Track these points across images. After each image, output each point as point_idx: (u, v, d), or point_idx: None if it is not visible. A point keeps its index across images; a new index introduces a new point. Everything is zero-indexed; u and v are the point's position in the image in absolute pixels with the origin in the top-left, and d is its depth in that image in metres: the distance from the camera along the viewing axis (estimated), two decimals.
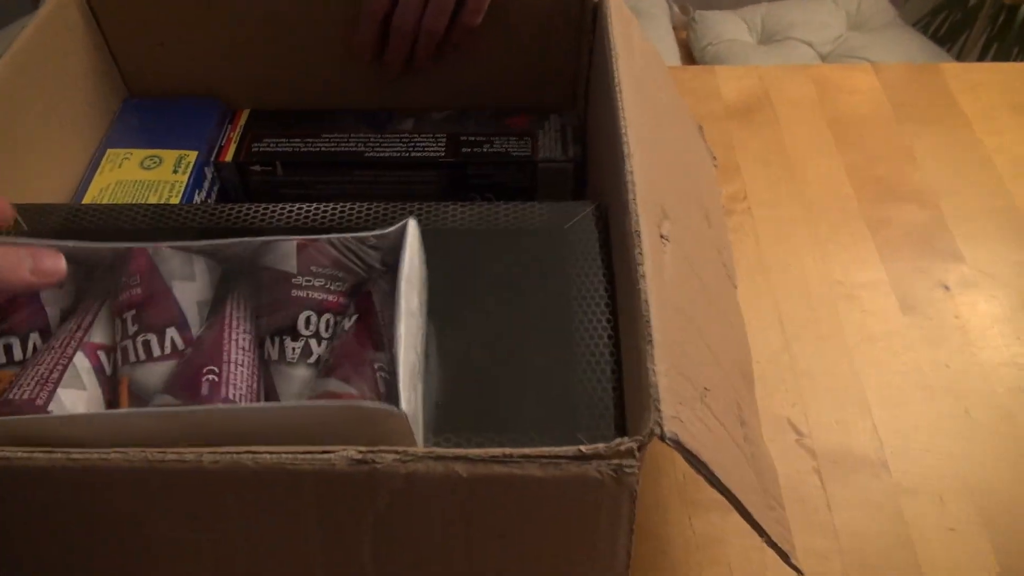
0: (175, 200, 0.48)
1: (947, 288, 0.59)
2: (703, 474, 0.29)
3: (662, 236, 0.35)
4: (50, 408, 0.29)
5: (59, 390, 0.29)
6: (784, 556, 0.33)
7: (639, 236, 0.33)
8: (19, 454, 0.26)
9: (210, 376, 0.30)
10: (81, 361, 0.30)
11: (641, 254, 0.32)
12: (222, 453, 0.27)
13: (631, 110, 0.39)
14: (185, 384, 0.30)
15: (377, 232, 0.35)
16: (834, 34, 1.21)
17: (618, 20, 0.45)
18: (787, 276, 0.60)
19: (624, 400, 0.34)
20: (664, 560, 0.45)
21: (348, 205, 0.42)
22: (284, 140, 0.53)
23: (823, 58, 1.18)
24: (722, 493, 0.30)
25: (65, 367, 0.29)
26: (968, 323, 0.56)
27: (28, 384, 0.28)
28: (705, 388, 0.32)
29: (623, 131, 0.37)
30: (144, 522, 0.28)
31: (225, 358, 0.30)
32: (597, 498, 0.27)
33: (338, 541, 0.28)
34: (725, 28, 1.22)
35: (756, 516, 0.31)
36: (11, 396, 0.28)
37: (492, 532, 0.28)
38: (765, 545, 0.46)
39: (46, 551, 0.29)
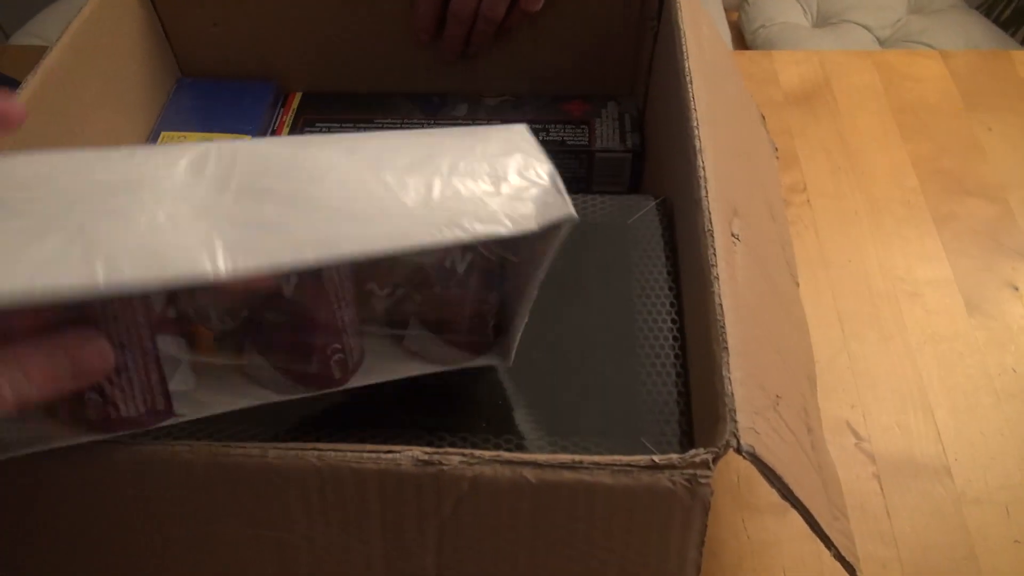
0: None
1: (1016, 288, 0.56)
2: (777, 487, 0.28)
3: (733, 235, 0.34)
4: (175, 408, 0.27)
5: (169, 386, 0.27)
6: (851, 570, 0.32)
7: (712, 236, 0.32)
8: (81, 443, 0.26)
9: (337, 356, 0.28)
10: (165, 343, 0.28)
11: (715, 255, 0.31)
12: (286, 449, 0.26)
13: (702, 102, 0.37)
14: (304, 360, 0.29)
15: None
16: (893, 17, 1.17)
17: (687, 6, 0.43)
18: (847, 272, 0.58)
19: (691, 405, 0.32)
20: (716, 564, 0.44)
21: None
22: (337, 124, 0.53)
23: (881, 43, 1.14)
24: (794, 506, 0.29)
25: (157, 359, 0.27)
26: None
27: (131, 394, 0.26)
28: (777, 396, 0.31)
29: (694, 125, 0.36)
30: (207, 518, 0.28)
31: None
32: (669, 509, 0.26)
33: (400, 545, 0.28)
34: (779, 10, 1.18)
35: (825, 529, 0.30)
36: (123, 414, 0.26)
37: (559, 540, 0.27)
38: (821, 551, 0.45)
39: (107, 543, 0.29)
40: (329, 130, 0.52)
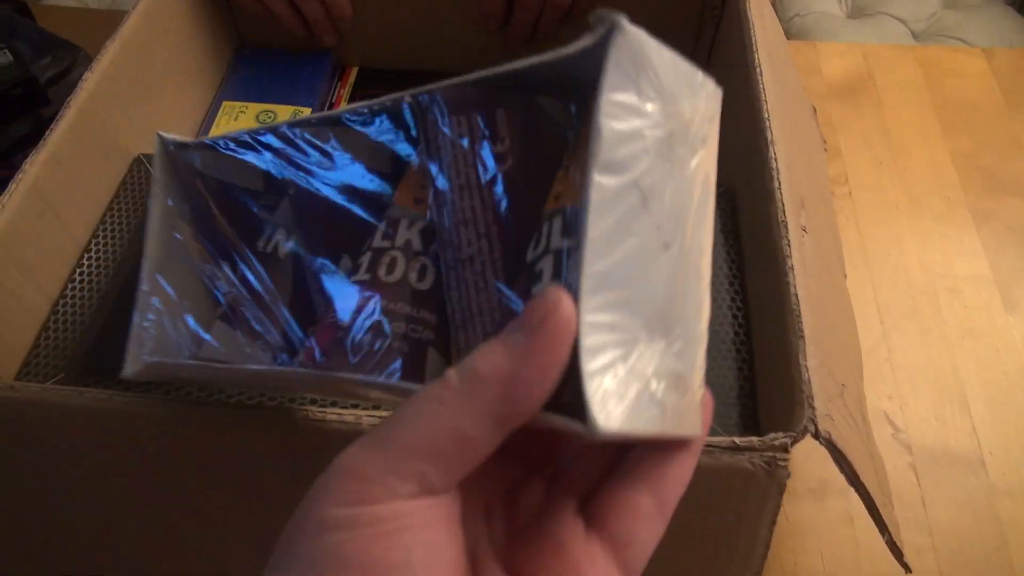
0: None
1: None
2: (846, 473, 0.29)
3: (803, 227, 0.34)
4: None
5: None
6: (899, 555, 0.33)
7: (786, 227, 0.33)
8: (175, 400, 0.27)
9: None
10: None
11: (789, 245, 0.32)
12: (381, 417, 0.27)
13: (771, 93, 0.38)
14: None
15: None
16: (928, 11, 1.16)
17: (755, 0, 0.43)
18: (887, 265, 0.58)
19: (756, 390, 0.33)
20: None
21: None
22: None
23: (916, 36, 1.14)
24: (858, 491, 0.30)
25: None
26: None
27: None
28: (843, 384, 0.32)
29: (766, 116, 0.37)
30: (301, 478, 0.29)
31: None
32: (747, 488, 0.27)
33: None
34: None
35: (884, 516, 0.31)
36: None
37: None
38: (857, 535, 0.46)
39: (199, 502, 0.30)
40: None
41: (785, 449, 0.27)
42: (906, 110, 0.69)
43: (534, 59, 0.22)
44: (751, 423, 0.33)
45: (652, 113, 0.20)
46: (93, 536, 0.33)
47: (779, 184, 0.34)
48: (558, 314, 0.17)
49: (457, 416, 0.17)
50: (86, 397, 0.28)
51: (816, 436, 0.27)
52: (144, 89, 0.44)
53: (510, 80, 0.23)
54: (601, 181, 0.19)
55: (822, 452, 0.48)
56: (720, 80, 0.49)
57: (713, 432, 0.30)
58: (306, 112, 0.51)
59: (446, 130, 0.25)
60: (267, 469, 0.29)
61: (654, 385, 0.20)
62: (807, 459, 0.49)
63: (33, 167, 0.35)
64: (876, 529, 0.46)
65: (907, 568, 0.34)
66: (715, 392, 0.33)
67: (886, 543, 0.33)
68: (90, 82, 0.39)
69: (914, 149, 0.66)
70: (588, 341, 0.18)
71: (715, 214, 0.40)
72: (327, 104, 0.53)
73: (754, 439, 0.27)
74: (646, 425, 0.19)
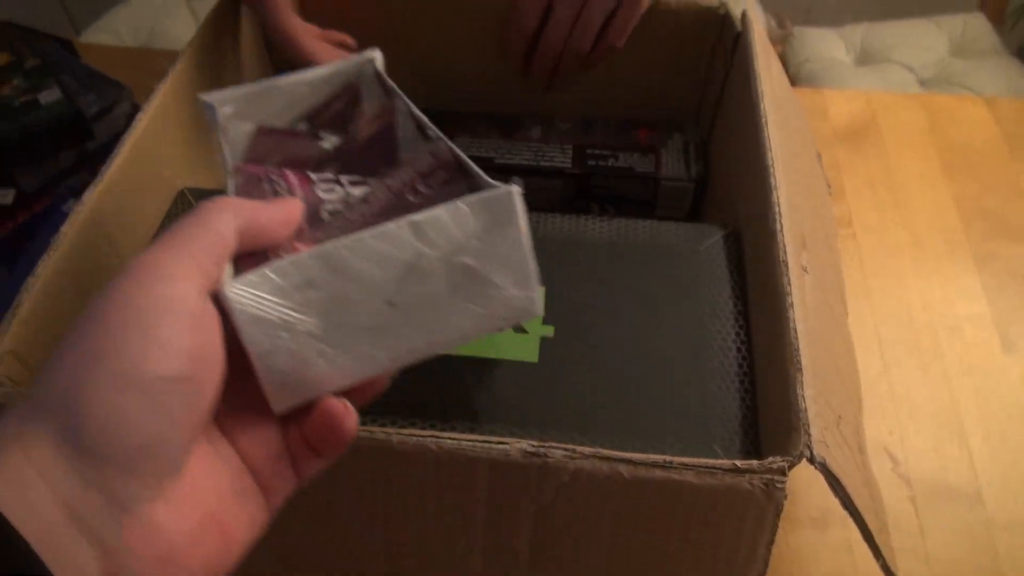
0: None
1: None
2: (840, 497, 0.31)
3: (803, 267, 0.37)
4: None
5: None
6: None
7: (787, 266, 0.35)
8: None
9: None
10: None
11: (789, 283, 0.34)
12: (408, 435, 0.30)
13: (776, 141, 0.41)
14: None
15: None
16: (935, 58, 1.19)
17: (761, 49, 0.46)
18: (890, 303, 0.61)
19: (758, 419, 0.36)
20: None
21: None
22: None
23: (923, 83, 1.17)
24: (853, 516, 0.32)
25: None
26: None
27: None
28: (839, 416, 0.34)
29: (770, 162, 0.39)
30: (333, 489, 0.31)
31: None
32: (745, 509, 0.29)
33: (500, 526, 0.31)
34: (823, 46, 1.21)
35: (877, 541, 0.33)
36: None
37: (643, 531, 0.30)
38: (856, 563, 0.47)
39: None
40: None
41: (783, 472, 0.29)
42: (910, 155, 0.72)
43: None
44: (753, 449, 0.35)
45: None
46: None
47: (781, 226, 0.37)
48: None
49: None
50: None
51: (811, 461, 0.29)
52: (188, 127, 0.47)
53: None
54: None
55: (823, 481, 0.50)
56: (728, 128, 0.51)
57: (716, 456, 0.33)
58: None
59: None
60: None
61: None
62: (808, 488, 0.51)
63: (91, 199, 0.38)
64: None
65: None
66: (720, 420, 0.36)
67: (880, 568, 0.34)
68: (143, 120, 0.42)
69: (917, 192, 0.69)
70: None
71: (723, 253, 0.42)
72: None
73: (754, 462, 0.29)
74: None
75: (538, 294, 0.30)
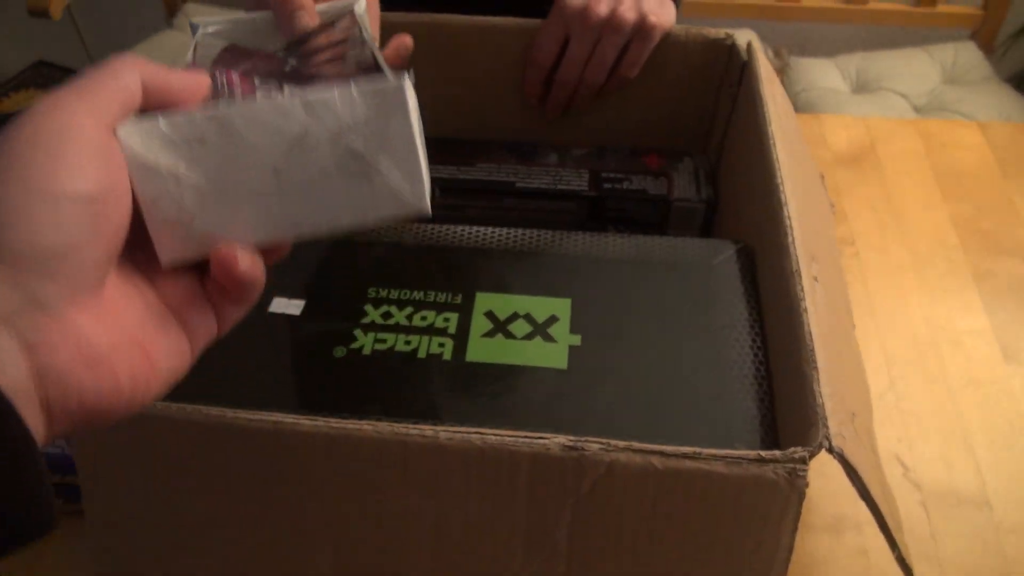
0: None
1: None
2: (858, 487, 0.33)
3: (814, 277, 0.39)
4: None
5: None
6: (908, 571, 0.37)
7: (799, 276, 0.38)
8: (269, 419, 0.32)
9: None
10: None
11: (802, 291, 0.37)
12: (454, 432, 0.32)
13: (784, 162, 0.44)
14: None
15: None
16: (929, 87, 1.24)
17: (766, 77, 0.49)
18: (894, 318, 0.63)
19: (776, 419, 0.38)
20: None
21: (519, 231, 0.47)
22: (442, 166, 0.59)
23: (917, 110, 1.21)
24: (870, 507, 0.34)
25: None
26: None
27: None
28: (854, 413, 0.36)
29: (779, 180, 0.42)
30: (382, 487, 0.33)
31: None
32: (770, 496, 0.31)
33: (541, 518, 0.33)
34: (820, 75, 1.26)
35: (893, 532, 0.35)
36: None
37: (675, 520, 0.32)
38: (871, 567, 0.49)
39: (294, 512, 0.35)
40: (435, 173, 0.59)
41: (804, 461, 0.31)
42: (907, 178, 0.75)
43: None
44: (773, 447, 0.37)
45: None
46: (198, 544, 0.37)
47: (792, 240, 0.39)
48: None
49: None
50: (201, 413, 0.33)
51: (830, 451, 0.31)
52: None
53: None
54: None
55: (838, 489, 0.52)
56: (736, 152, 0.54)
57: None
58: None
59: None
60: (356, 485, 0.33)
61: None
62: (822, 496, 0.53)
63: None
64: (890, 560, 0.49)
65: None
66: (741, 421, 0.38)
67: (896, 559, 0.36)
68: None
69: (916, 213, 0.72)
70: None
71: (736, 267, 0.45)
72: None
73: (777, 452, 0.31)
74: None
75: (427, 192, 0.32)
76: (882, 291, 0.65)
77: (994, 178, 0.75)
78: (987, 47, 1.32)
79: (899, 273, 0.67)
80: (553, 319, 0.42)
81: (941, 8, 1.29)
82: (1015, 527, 0.51)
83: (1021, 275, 0.66)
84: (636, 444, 0.31)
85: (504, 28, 0.57)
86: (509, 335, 0.41)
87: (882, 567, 0.49)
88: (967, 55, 1.28)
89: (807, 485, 0.31)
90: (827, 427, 0.32)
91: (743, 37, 0.55)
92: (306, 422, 0.32)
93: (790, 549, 0.33)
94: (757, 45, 0.53)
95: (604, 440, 0.32)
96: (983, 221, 0.71)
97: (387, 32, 0.57)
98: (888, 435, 0.56)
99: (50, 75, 0.74)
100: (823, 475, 0.37)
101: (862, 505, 0.52)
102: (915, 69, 1.25)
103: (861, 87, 1.26)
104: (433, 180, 0.59)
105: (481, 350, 0.41)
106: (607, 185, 0.58)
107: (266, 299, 0.44)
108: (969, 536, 0.50)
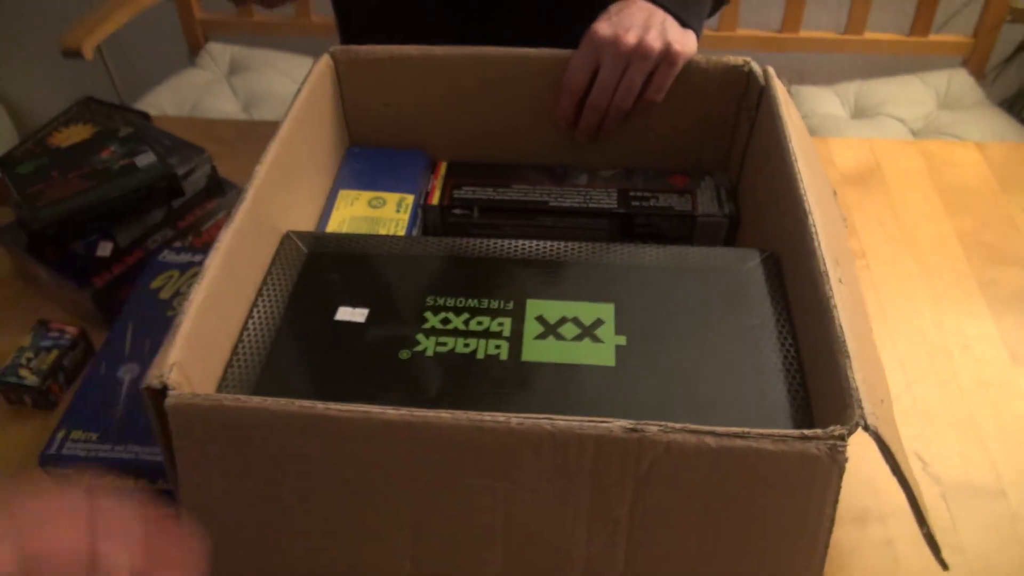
0: (400, 234, 0.58)
1: None
2: (890, 464, 0.36)
3: (839, 279, 0.43)
4: None
5: None
6: (936, 549, 0.40)
7: (827, 276, 0.41)
8: (359, 409, 0.35)
9: None
10: None
11: (831, 289, 0.41)
12: (525, 417, 0.35)
13: (805, 173, 0.48)
14: None
15: None
16: (925, 111, 1.29)
17: (784, 100, 0.54)
18: (906, 326, 0.67)
19: (810, 406, 0.41)
20: None
21: (562, 243, 0.51)
22: (480, 188, 0.63)
23: (915, 133, 1.26)
24: (901, 482, 0.37)
25: None
26: None
27: None
28: (882, 399, 0.40)
29: (803, 191, 0.46)
30: (459, 471, 0.37)
31: None
32: (813, 471, 0.35)
33: (604, 498, 0.36)
34: (820, 102, 1.31)
35: (922, 509, 0.38)
36: None
37: (727, 496, 0.36)
38: (898, 557, 0.52)
39: (377, 498, 0.38)
40: (474, 194, 0.63)
41: (843, 438, 0.34)
42: (912, 195, 0.79)
43: None
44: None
45: None
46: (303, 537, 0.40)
47: (819, 244, 0.43)
48: None
49: None
50: (295, 406, 0.36)
51: (866, 429, 0.35)
52: (291, 178, 0.54)
53: None
54: None
55: (862, 483, 0.55)
56: (756, 170, 0.58)
57: None
58: (409, 199, 0.61)
59: None
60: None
61: None
62: (847, 490, 0.55)
63: (226, 236, 0.44)
64: (914, 549, 0.52)
65: (944, 565, 0.40)
66: (776, 409, 0.41)
67: (924, 536, 0.39)
68: (260, 173, 0.49)
69: (922, 228, 0.76)
70: None
71: (765, 272, 0.48)
72: (424, 191, 0.63)
73: (818, 430, 0.35)
74: None
75: None
76: (893, 300, 0.69)
77: (994, 194, 0.79)
78: (978, 73, 1.37)
79: (908, 283, 0.70)
80: (599, 322, 0.46)
81: (933, 37, 1.35)
82: None
83: (1023, 284, 0.70)
84: (691, 426, 0.35)
85: (535, 58, 0.61)
86: (559, 337, 0.45)
87: (907, 555, 0.52)
88: (960, 81, 1.34)
89: (847, 460, 0.35)
90: (862, 408, 0.35)
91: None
92: (391, 411, 0.36)
93: (832, 521, 0.36)
94: (772, 71, 0.57)
95: (661, 423, 0.35)
96: (985, 234, 0.75)
97: (434, 64, 0.62)
98: (907, 433, 0.59)
99: (99, 110, 0.78)
100: (847, 470, 0.40)
101: (885, 498, 0.55)
102: (911, 95, 1.30)
103: (860, 112, 1.31)
104: (471, 201, 0.63)
105: (535, 351, 0.44)
106: (635, 203, 0.62)
107: (332, 308, 0.47)
108: (987, 525, 0.53)
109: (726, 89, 0.60)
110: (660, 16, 0.58)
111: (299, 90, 0.56)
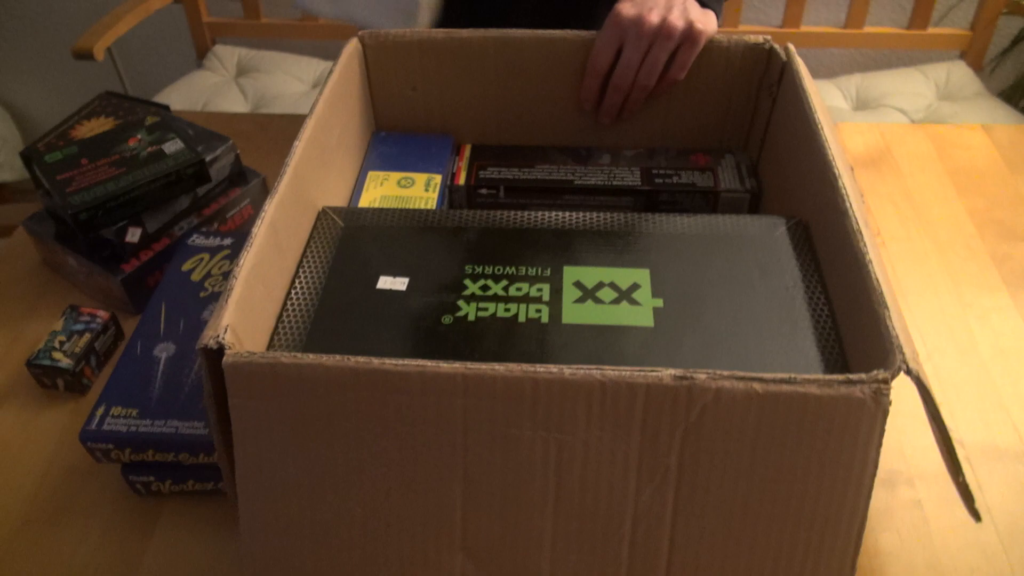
0: None
1: None
2: (928, 408, 0.37)
3: (869, 240, 0.44)
4: None
5: None
6: (969, 499, 0.41)
7: (861, 234, 0.42)
8: (414, 363, 0.36)
9: None
10: None
11: (865, 245, 0.42)
12: (577, 368, 0.36)
13: (831, 141, 0.49)
14: None
15: None
16: (925, 103, 1.31)
17: (806, 74, 0.55)
18: (923, 299, 0.68)
19: (847, 360, 0.42)
20: None
21: (595, 214, 0.52)
22: (505, 169, 0.64)
23: (917, 124, 1.28)
24: (938, 426, 0.38)
25: None
26: None
27: None
28: (914, 351, 0.41)
29: (832, 158, 0.47)
30: (513, 422, 0.37)
31: None
32: (859, 414, 0.36)
33: (653, 446, 0.37)
34: (823, 95, 1.33)
35: (959, 457, 0.39)
36: None
37: (775, 440, 0.37)
38: (928, 518, 0.53)
39: (431, 452, 0.39)
40: (500, 174, 0.64)
41: (886, 381, 0.35)
42: (923, 176, 0.81)
43: None
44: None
45: None
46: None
47: (850, 204, 0.44)
48: None
49: None
50: (350, 362, 0.37)
51: (908, 372, 0.36)
52: (325, 157, 0.55)
53: None
54: None
55: (890, 446, 0.56)
56: (781, 139, 0.59)
57: None
58: (437, 178, 0.62)
59: None
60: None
61: None
62: None
63: (270, 208, 0.45)
64: (941, 508, 0.53)
65: (977, 515, 0.41)
66: (813, 362, 0.42)
67: (958, 485, 0.40)
68: (299, 149, 0.50)
69: (935, 207, 0.77)
70: None
71: (794, 237, 0.49)
72: (450, 173, 0.64)
73: (863, 374, 0.36)
74: None
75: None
76: (910, 276, 0.70)
77: (1002, 174, 0.81)
78: (976, 65, 1.39)
79: (924, 260, 0.72)
80: (635, 286, 0.47)
81: (932, 30, 1.37)
82: None
83: None
84: (739, 372, 0.36)
85: (559, 40, 0.63)
86: (598, 300, 0.46)
87: (936, 515, 0.53)
88: (959, 73, 1.36)
89: (890, 403, 0.36)
90: (903, 354, 0.36)
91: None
92: (445, 365, 0.37)
93: (876, 464, 0.37)
94: (793, 47, 0.58)
95: (710, 370, 0.36)
96: (996, 212, 0.76)
97: (460, 47, 0.63)
98: None
99: (120, 103, 0.79)
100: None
101: (913, 460, 0.56)
102: (911, 87, 1.32)
103: (862, 105, 1.33)
104: (498, 180, 0.64)
105: (575, 314, 0.45)
106: (658, 180, 0.63)
107: (373, 278, 0.48)
108: (1012, 485, 0.54)
109: (747, 67, 0.61)
110: None
111: (330, 71, 0.57)
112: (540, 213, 0.53)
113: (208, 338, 0.38)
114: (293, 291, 0.48)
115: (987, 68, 1.46)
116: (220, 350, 0.38)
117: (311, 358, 0.37)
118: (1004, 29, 1.49)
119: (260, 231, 0.44)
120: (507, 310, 0.46)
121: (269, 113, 0.96)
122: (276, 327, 0.45)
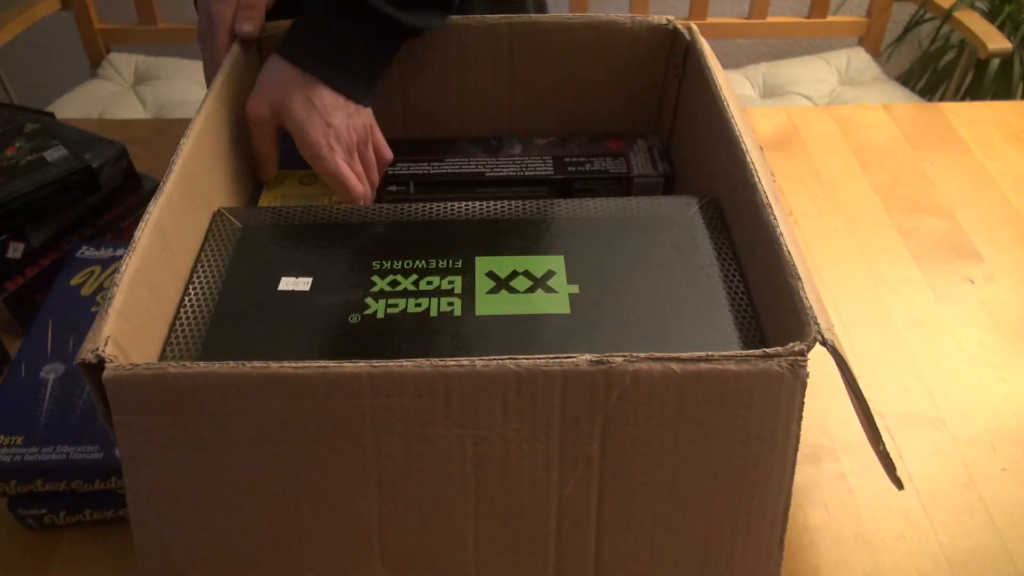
0: None
1: (972, 282, 0.68)
2: (846, 378, 0.37)
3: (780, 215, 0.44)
4: None
5: None
6: (891, 467, 0.41)
7: (771, 208, 0.42)
8: (314, 365, 0.34)
9: None
10: None
11: (776, 219, 0.41)
12: (490, 360, 0.35)
13: (739, 119, 0.48)
14: None
15: None
16: (828, 88, 1.35)
17: (709, 54, 0.55)
18: (837, 275, 0.69)
19: (765, 334, 0.42)
20: None
21: (506, 203, 0.50)
22: (414, 163, 0.62)
23: None
24: (857, 399, 0.38)
25: None
26: (994, 309, 0.66)
27: None
28: (829, 323, 0.41)
29: (739, 134, 0.47)
30: (426, 421, 0.35)
31: None
32: (778, 387, 0.35)
33: (574, 435, 0.36)
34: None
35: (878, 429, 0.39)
36: None
37: (697, 420, 0.36)
38: (854, 489, 0.53)
39: (341, 457, 0.36)
40: (409, 169, 0.62)
41: (803, 354, 0.35)
42: (830, 156, 0.82)
43: None
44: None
45: None
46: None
47: (759, 179, 0.44)
48: None
49: None
50: (246, 367, 0.34)
51: (823, 343, 0.35)
52: (219, 157, 0.52)
53: None
54: None
55: (812, 423, 0.56)
56: (690, 119, 0.59)
57: None
58: None
59: None
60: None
61: None
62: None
63: (156, 208, 0.42)
64: (867, 479, 0.54)
65: (899, 483, 0.41)
66: (732, 339, 0.42)
67: (878, 454, 0.40)
68: (186, 146, 0.47)
69: (842, 185, 0.79)
70: None
71: (706, 216, 0.49)
72: None
73: (779, 348, 0.35)
74: None
75: None
76: (823, 253, 0.71)
77: (904, 150, 0.83)
78: (874, 51, 1.44)
79: (835, 236, 0.73)
80: (550, 273, 0.45)
81: (831, 18, 1.41)
82: (970, 439, 0.56)
83: (940, 230, 0.74)
84: (656, 354, 0.35)
85: (463, 27, 0.61)
86: (512, 290, 0.44)
87: (861, 486, 0.53)
88: (858, 59, 1.40)
89: (808, 375, 0.35)
90: (818, 324, 0.36)
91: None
92: (349, 365, 0.34)
93: (798, 437, 0.37)
94: (695, 27, 0.58)
95: (626, 353, 0.35)
96: (901, 187, 0.78)
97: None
98: None
99: None
100: None
101: (835, 435, 0.57)
102: (815, 74, 1.35)
103: (769, 92, 1.36)
104: (407, 176, 0.62)
105: (489, 305, 0.44)
106: (571, 168, 0.62)
107: (274, 279, 0.45)
108: (931, 451, 0.55)
109: (652, 49, 0.61)
110: None
111: (220, 67, 0.54)
112: (450, 205, 0.51)
113: (87, 352, 0.35)
114: (187, 297, 0.44)
115: (884, 54, 1.52)
116: (100, 364, 0.35)
117: (201, 366, 0.35)
118: (897, 16, 1.55)
119: (144, 233, 0.41)
120: (418, 305, 0.44)
121: (167, 119, 0.91)
122: (168, 336, 0.42)
